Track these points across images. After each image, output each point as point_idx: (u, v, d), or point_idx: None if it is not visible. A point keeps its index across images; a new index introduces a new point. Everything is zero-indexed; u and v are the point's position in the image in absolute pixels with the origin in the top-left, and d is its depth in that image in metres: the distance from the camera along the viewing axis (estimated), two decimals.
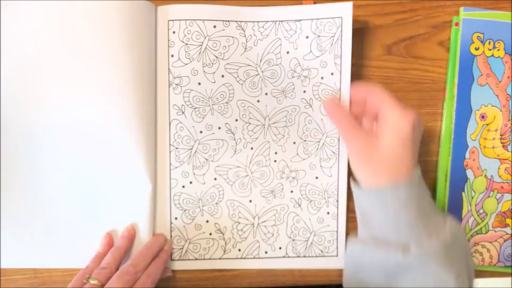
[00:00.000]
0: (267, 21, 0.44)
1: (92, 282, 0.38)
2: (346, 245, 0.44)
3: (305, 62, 0.44)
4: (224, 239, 0.46)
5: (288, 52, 0.45)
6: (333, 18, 0.44)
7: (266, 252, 0.46)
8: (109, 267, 0.39)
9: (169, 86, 0.44)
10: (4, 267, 0.44)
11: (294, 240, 0.46)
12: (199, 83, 0.44)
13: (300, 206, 0.46)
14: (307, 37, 0.44)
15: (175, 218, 0.45)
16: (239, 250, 0.46)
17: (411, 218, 0.39)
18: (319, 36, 0.44)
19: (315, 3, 0.45)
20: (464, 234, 0.41)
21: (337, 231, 0.46)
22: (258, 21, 0.44)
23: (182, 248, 0.45)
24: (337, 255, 0.46)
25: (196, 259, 0.45)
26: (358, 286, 0.42)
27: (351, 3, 0.43)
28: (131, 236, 0.43)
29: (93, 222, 0.43)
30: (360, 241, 0.42)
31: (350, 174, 0.44)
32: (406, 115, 0.39)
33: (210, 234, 0.46)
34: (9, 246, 0.43)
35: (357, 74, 0.46)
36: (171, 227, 0.45)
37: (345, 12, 0.44)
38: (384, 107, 0.40)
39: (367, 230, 0.42)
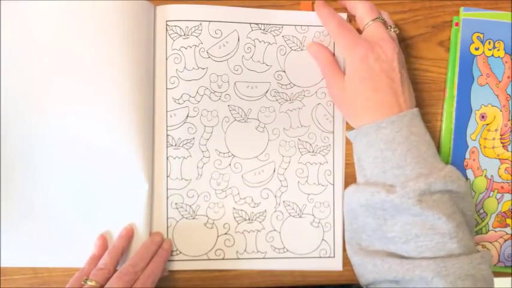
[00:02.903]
0: (266, 24, 0.45)
1: (89, 283, 0.38)
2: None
3: (300, 65, 0.45)
4: (223, 239, 0.46)
5: (284, 54, 0.45)
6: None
7: (265, 253, 0.46)
8: (106, 267, 0.39)
9: (167, 86, 0.44)
10: (4, 267, 0.44)
11: (292, 240, 0.46)
12: (197, 83, 0.44)
13: (298, 207, 0.46)
14: (303, 42, 0.46)
15: (172, 218, 0.45)
16: (238, 250, 0.46)
17: (397, 158, 0.38)
18: (314, 41, 0.45)
19: (312, 3, 0.46)
20: (464, 185, 0.39)
21: (333, 233, 0.46)
22: (257, 23, 0.45)
23: (181, 248, 0.45)
24: (334, 257, 0.46)
25: (195, 259, 0.45)
26: (356, 236, 0.42)
27: (345, 15, 0.45)
28: (129, 236, 0.43)
29: (91, 222, 0.43)
30: (353, 185, 0.43)
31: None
32: (354, 52, 0.40)
33: (209, 234, 0.46)
34: (9, 246, 0.43)
35: None
36: (167, 227, 0.45)
37: None
38: (337, 46, 0.42)
39: (361, 174, 0.42)
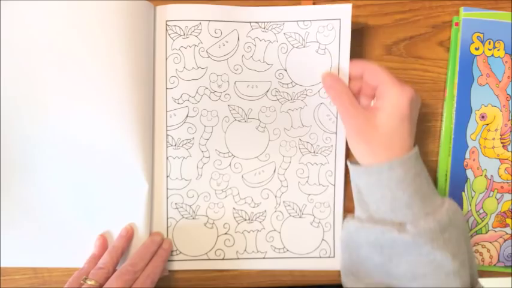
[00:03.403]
0: (266, 22, 0.45)
1: (89, 282, 0.38)
2: (342, 224, 0.44)
3: (303, 63, 0.45)
4: (223, 239, 0.46)
5: (285, 52, 0.45)
6: (331, 20, 0.44)
7: (265, 252, 0.46)
8: (106, 267, 0.39)
9: (166, 85, 0.44)
10: (4, 267, 0.44)
11: (292, 240, 0.46)
12: (196, 83, 0.44)
13: (298, 207, 0.46)
14: (306, 38, 0.44)
15: (172, 218, 0.45)
16: (238, 250, 0.46)
17: (407, 197, 0.38)
18: (317, 37, 0.44)
19: (314, 3, 0.45)
20: (462, 216, 0.40)
21: (333, 233, 0.46)
22: (257, 22, 0.45)
23: (181, 248, 0.45)
24: (334, 257, 0.46)
25: (195, 259, 0.45)
26: (354, 267, 0.42)
27: (350, 5, 0.43)
28: (129, 236, 0.43)
29: (91, 222, 0.43)
30: (356, 220, 0.42)
31: (348, 154, 0.45)
32: (404, 91, 0.39)
33: (209, 234, 0.46)
34: (9, 246, 0.43)
35: None
36: (167, 227, 0.45)
37: (344, 14, 0.44)
38: (381, 84, 0.40)
39: (364, 209, 0.41)
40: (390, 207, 0.39)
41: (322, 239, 0.46)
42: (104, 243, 0.43)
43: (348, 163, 0.43)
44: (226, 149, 0.45)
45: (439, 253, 0.37)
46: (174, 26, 0.44)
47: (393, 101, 0.39)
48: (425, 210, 0.38)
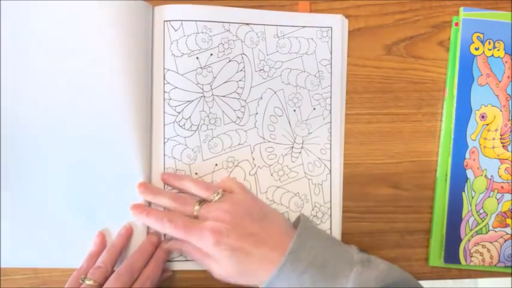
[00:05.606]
0: (262, 25, 0.45)
1: (87, 282, 0.38)
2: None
3: (296, 69, 0.46)
4: None
5: (283, 54, 0.46)
6: (323, 27, 0.46)
7: None
8: (104, 266, 0.39)
9: (164, 85, 0.44)
10: (4, 267, 0.44)
11: None
12: (194, 82, 0.45)
13: (297, 207, 0.46)
14: (299, 43, 0.46)
15: None
16: None
17: (309, 282, 0.37)
18: (309, 43, 0.46)
19: (310, 5, 0.46)
20: (374, 278, 0.37)
21: (331, 233, 0.46)
22: (255, 24, 0.45)
23: None
24: None
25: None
26: None
27: (340, 16, 0.46)
28: (128, 235, 0.43)
29: (90, 222, 0.43)
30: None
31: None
32: (203, 241, 0.38)
33: None
34: (9, 246, 0.43)
35: (357, 74, 0.47)
36: None
37: (335, 23, 0.46)
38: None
39: None
40: None
41: None
42: (102, 240, 0.43)
43: None
44: (224, 150, 0.45)
45: None
46: (173, 26, 0.44)
47: (210, 252, 0.39)
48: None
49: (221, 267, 0.39)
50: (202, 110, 0.45)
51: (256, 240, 0.39)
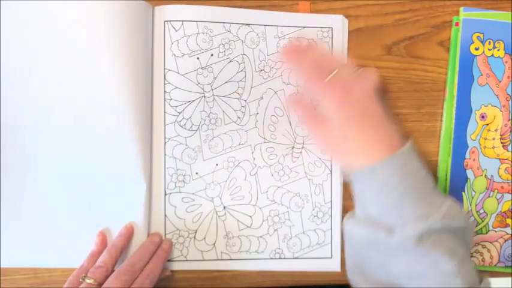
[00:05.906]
0: (263, 25, 0.45)
1: (87, 281, 0.38)
2: (342, 222, 0.44)
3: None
4: (223, 239, 0.46)
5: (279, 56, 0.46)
6: (324, 27, 0.46)
7: (265, 253, 0.46)
8: (105, 265, 0.39)
9: (165, 85, 0.44)
10: (4, 267, 0.44)
11: (290, 241, 0.46)
12: (195, 82, 0.45)
13: (297, 207, 0.46)
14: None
15: (171, 217, 0.45)
16: (238, 251, 0.46)
17: (394, 200, 0.37)
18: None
19: (310, 5, 0.46)
20: (463, 217, 0.38)
21: (331, 234, 0.46)
22: (255, 24, 0.45)
23: (180, 249, 0.45)
24: (331, 257, 0.46)
25: (195, 259, 0.45)
26: (359, 266, 0.41)
27: (340, 16, 0.46)
28: (129, 235, 0.43)
29: (91, 222, 0.43)
30: (354, 217, 0.41)
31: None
32: (326, 94, 0.39)
33: (209, 234, 0.46)
34: (9, 246, 0.43)
35: None
36: (165, 227, 0.45)
37: (336, 24, 0.46)
38: (314, 94, 0.41)
39: (361, 208, 0.41)
40: (379, 211, 0.38)
41: (320, 240, 0.46)
42: (103, 240, 0.43)
43: (340, 170, 0.43)
44: (225, 150, 0.45)
45: (431, 253, 0.36)
46: (173, 26, 0.44)
47: (324, 108, 0.40)
48: (417, 212, 0.37)
49: (327, 133, 0.40)
50: (203, 110, 0.45)
51: (378, 123, 0.39)
